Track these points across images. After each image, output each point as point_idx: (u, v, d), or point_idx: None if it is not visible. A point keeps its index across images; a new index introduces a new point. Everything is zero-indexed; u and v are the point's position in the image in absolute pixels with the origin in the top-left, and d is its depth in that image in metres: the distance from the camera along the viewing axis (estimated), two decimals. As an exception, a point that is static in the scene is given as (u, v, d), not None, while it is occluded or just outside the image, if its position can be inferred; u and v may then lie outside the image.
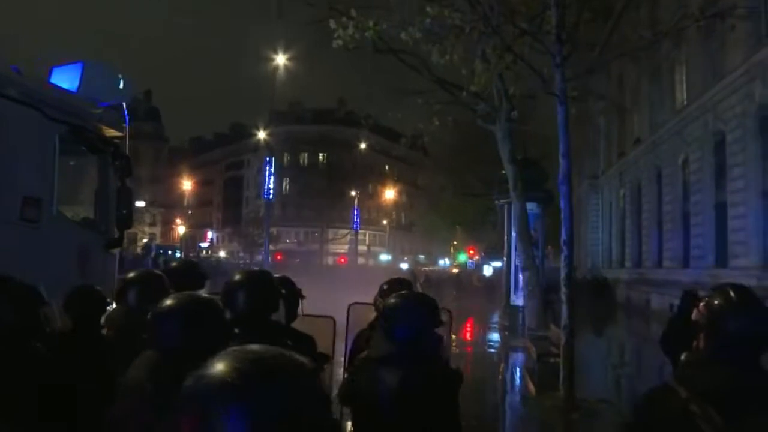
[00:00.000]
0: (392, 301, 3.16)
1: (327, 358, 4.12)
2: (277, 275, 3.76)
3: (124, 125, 8.36)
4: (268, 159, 34.78)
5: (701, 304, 2.37)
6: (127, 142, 8.31)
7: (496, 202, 21.89)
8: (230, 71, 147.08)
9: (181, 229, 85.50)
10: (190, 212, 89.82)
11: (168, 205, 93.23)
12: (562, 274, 8.68)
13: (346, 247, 77.17)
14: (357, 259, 68.42)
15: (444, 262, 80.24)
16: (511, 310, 19.00)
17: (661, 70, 28.49)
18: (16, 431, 2.57)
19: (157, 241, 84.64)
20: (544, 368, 11.51)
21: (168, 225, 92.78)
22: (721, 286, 2.39)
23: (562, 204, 8.45)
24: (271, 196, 33.92)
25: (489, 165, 32.25)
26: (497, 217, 27.23)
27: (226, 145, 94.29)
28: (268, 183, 33.47)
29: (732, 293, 2.31)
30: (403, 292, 3.52)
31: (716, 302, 2.30)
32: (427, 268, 71.12)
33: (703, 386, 2.17)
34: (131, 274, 3.64)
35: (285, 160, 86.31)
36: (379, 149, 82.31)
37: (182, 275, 4.20)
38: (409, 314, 3.06)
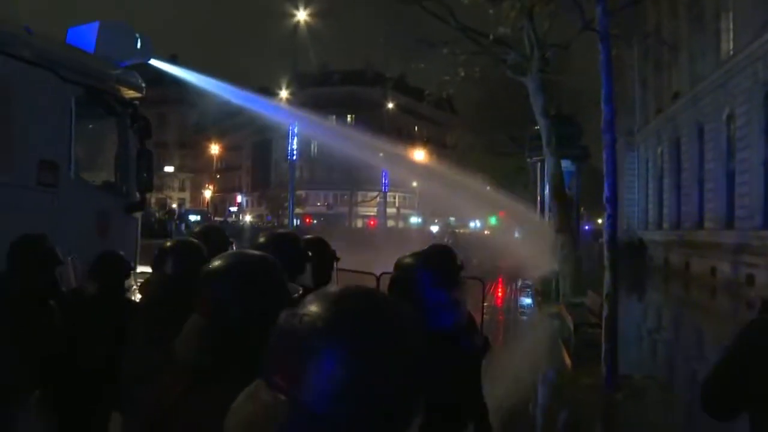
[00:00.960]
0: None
1: None
2: (309, 236, 3.75)
3: (143, 86, 8.20)
4: (291, 122, 33.87)
5: None
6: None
7: (528, 159, 20.76)
8: (256, 33, 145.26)
9: (207, 194, 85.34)
10: (218, 176, 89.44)
11: (197, 169, 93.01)
12: (606, 236, 7.63)
13: (376, 209, 76.27)
14: (386, 221, 67.42)
15: (475, 224, 79.12)
16: (546, 274, 17.95)
17: (704, 18, 26.78)
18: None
19: (187, 205, 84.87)
20: (581, 340, 10.54)
21: (197, 190, 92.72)
22: None
23: (605, 155, 7.38)
24: (294, 158, 33.02)
25: (519, 122, 31.04)
26: (529, 176, 26.11)
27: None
28: (291, 144, 32.63)
29: None
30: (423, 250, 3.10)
31: None
32: (458, 230, 70.26)
33: None
34: (168, 243, 3.45)
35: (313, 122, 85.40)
36: (407, 110, 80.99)
37: (206, 239, 3.96)
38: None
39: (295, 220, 73.63)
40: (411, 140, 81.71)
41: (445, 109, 56.88)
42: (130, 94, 7.99)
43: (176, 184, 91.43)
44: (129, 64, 8.08)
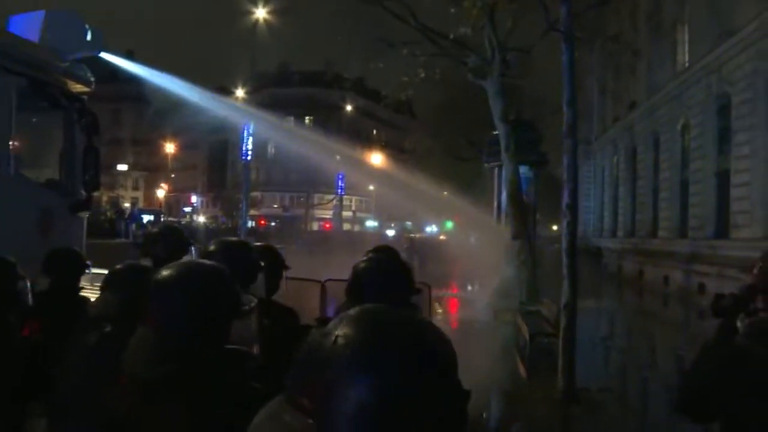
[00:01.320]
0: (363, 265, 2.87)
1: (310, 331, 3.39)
2: (258, 243, 3.67)
3: (91, 80, 7.87)
4: (245, 121, 33.20)
5: (757, 267, 2.72)
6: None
7: (486, 165, 20.59)
8: (214, 32, 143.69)
9: (160, 193, 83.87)
10: (173, 176, 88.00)
11: (151, 168, 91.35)
12: (564, 243, 7.39)
13: (332, 212, 75.79)
14: (342, 224, 66.95)
15: (431, 229, 79.17)
16: (502, 281, 17.74)
17: (662, 28, 27.01)
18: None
19: (140, 205, 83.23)
20: (537, 350, 10.30)
21: (152, 189, 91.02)
22: None
23: (565, 160, 7.13)
24: (249, 158, 32.45)
25: (478, 126, 30.90)
26: (486, 182, 25.98)
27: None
28: (246, 144, 32.04)
29: None
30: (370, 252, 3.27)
31: None
32: (413, 235, 70.10)
33: None
34: (119, 266, 3.13)
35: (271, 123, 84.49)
36: (366, 113, 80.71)
37: (164, 240, 4.06)
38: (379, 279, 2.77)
39: (249, 222, 72.89)
40: (369, 143, 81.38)
41: (405, 113, 56.75)
42: (77, 88, 7.65)
43: (129, 183, 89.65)
44: (77, 57, 7.73)
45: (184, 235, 4.41)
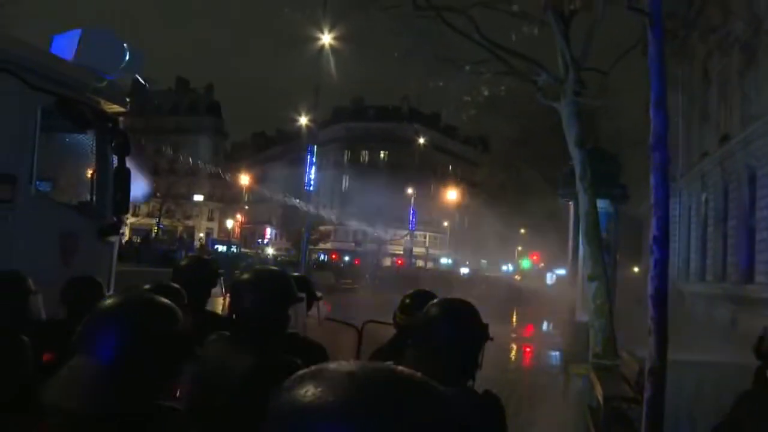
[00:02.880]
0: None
1: None
2: (296, 274, 3.78)
3: (127, 100, 7.84)
4: (309, 147, 32.31)
5: None
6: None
7: (561, 200, 18.83)
8: (289, 66, 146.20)
9: (229, 223, 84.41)
10: (246, 207, 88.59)
11: (227, 200, 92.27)
12: (650, 288, 5.73)
13: (403, 248, 74.48)
14: (411, 260, 65.47)
15: (507, 267, 77.05)
16: (576, 328, 15.92)
17: (757, 54, 24.77)
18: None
19: (215, 235, 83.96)
20: (611, 414, 8.57)
21: (226, 220, 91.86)
22: None
23: (653, 180, 5.50)
24: (311, 188, 31.50)
25: (553, 161, 29.23)
26: (563, 219, 24.21)
27: (288, 141, 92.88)
28: (309, 173, 31.11)
29: None
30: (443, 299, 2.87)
31: None
32: (489, 274, 68.08)
33: None
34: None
35: (346, 157, 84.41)
36: (441, 148, 79.65)
37: (191, 272, 4.04)
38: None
39: (322, 256, 72.36)
40: (444, 179, 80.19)
41: (480, 147, 55.45)
42: (112, 108, 7.48)
43: (205, 214, 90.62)
44: (113, 77, 7.49)
45: (213, 266, 4.30)
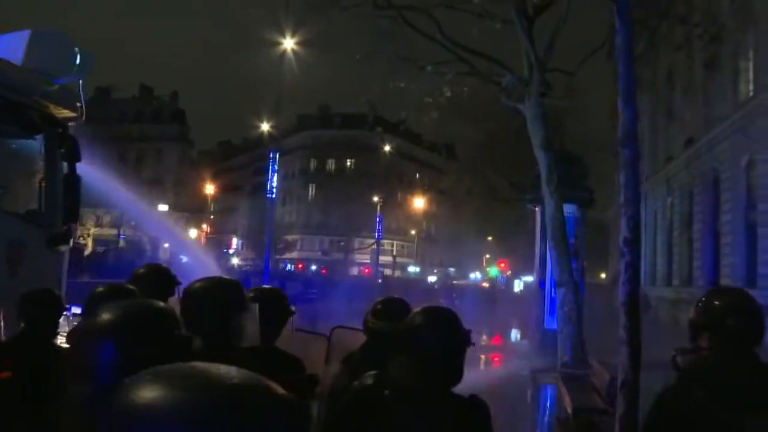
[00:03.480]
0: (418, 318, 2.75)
1: (317, 381, 3.54)
2: (266, 286, 3.84)
3: (79, 105, 7.40)
4: (271, 154, 31.68)
5: (699, 303, 2.65)
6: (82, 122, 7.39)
7: (528, 205, 18.53)
8: (253, 73, 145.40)
9: (192, 233, 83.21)
10: (212, 217, 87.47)
11: (193, 209, 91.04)
12: (622, 294, 5.32)
13: (369, 257, 74.01)
14: (379, 269, 64.98)
15: (475, 275, 76.93)
16: (544, 336, 15.57)
17: (720, 58, 24.80)
18: None
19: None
20: (581, 426, 8.17)
21: (195, 230, 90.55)
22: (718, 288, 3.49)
23: (622, 177, 5.10)
24: (273, 196, 30.90)
25: (520, 167, 28.97)
26: (529, 225, 23.95)
27: (254, 149, 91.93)
28: (271, 181, 30.49)
29: (729, 293, 2.85)
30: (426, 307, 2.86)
31: (717, 303, 2.62)
32: (457, 282, 67.85)
33: (719, 384, 2.37)
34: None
35: (312, 165, 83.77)
36: (408, 156, 79.40)
37: (149, 281, 3.95)
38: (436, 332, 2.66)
39: (288, 265, 71.58)
40: (411, 187, 79.93)
41: (446, 155, 55.23)
42: (62, 113, 7.16)
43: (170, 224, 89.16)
44: (63, 81, 7.20)
45: (171, 275, 4.18)
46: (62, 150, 6.94)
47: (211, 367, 0.90)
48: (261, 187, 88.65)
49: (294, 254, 78.37)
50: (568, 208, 14.70)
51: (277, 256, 67.21)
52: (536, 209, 16.87)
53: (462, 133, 29.71)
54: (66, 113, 7.25)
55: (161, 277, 4.09)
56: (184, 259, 55.43)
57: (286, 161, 71.30)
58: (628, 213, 5.02)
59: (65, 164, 6.97)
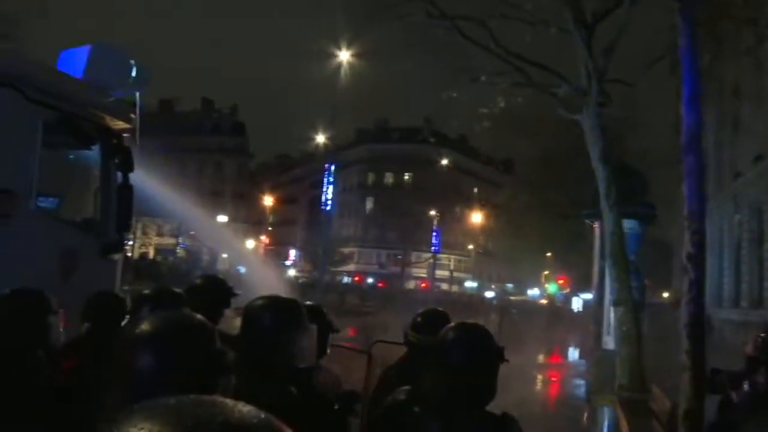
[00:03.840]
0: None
1: (357, 397, 3.42)
2: (308, 303, 3.52)
3: (133, 116, 7.65)
4: (327, 166, 31.59)
5: (758, 340, 2.71)
6: (137, 134, 7.65)
7: (586, 221, 17.93)
8: (310, 86, 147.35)
9: (250, 244, 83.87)
10: (269, 229, 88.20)
11: (252, 221, 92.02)
12: (685, 315, 4.88)
13: (426, 271, 73.52)
14: (436, 283, 64.46)
15: (534, 292, 75.69)
16: (602, 356, 14.96)
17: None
18: None
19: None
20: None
21: (253, 241, 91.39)
22: None
23: (687, 188, 4.72)
24: (329, 207, 30.76)
25: (579, 182, 28.29)
26: (588, 241, 23.26)
27: (312, 162, 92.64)
28: (326, 193, 30.37)
29: None
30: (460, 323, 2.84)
31: None
32: (514, 298, 66.80)
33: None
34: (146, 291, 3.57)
35: (369, 179, 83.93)
36: (466, 170, 78.83)
37: (205, 292, 3.98)
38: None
39: (346, 278, 71.65)
40: (469, 202, 79.27)
41: (504, 170, 54.66)
42: (117, 124, 7.40)
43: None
44: (120, 94, 7.48)
45: (226, 286, 4.19)
46: (116, 161, 7.13)
47: (221, 403, 0.88)
48: (318, 200, 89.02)
49: (351, 267, 78.47)
50: (628, 224, 14.13)
51: (333, 269, 67.33)
52: (595, 225, 16.30)
53: (519, 149, 29.22)
54: (121, 125, 7.44)
55: (217, 288, 4.10)
56: (242, 270, 55.97)
57: (343, 175, 71.53)
58: (692, 227, 4.62)
59: (119, 174, 7.12)
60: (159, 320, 1.77)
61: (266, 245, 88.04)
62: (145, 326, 1.71)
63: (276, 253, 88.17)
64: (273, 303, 2.85)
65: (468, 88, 12.83)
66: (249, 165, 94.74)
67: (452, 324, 2.82)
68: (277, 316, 2.75)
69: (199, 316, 1.84)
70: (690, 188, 4.64)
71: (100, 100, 7.17)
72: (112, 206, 7.15)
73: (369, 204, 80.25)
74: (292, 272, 69.91)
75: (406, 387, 2.84)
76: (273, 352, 2.68)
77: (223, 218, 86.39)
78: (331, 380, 3.46)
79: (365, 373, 4.90)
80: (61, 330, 3.34)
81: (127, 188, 7.10)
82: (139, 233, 70.77)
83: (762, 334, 2.64)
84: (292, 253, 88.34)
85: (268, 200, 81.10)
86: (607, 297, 15.04)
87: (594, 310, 16.59)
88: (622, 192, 12.94)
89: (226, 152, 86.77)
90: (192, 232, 66.47)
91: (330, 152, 35.51)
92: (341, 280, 66.63)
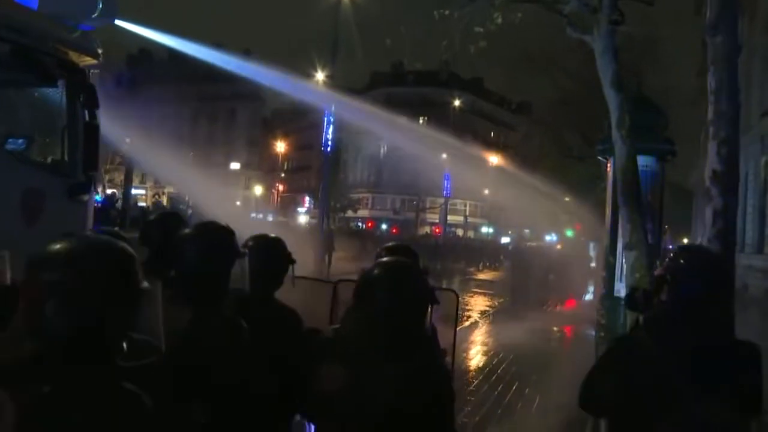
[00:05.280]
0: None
1: (319, 334, 3.36)
2: (267, 234, 3.63)
3: (99, 51, 7.35)
4: (327, 108, 30.39)
5: (668, 258, 2.68)
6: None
7: (600, 157, 16.67)
8: (324, 27, 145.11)
9: (258, 191, 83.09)
10: (282, 175, 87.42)
11: (265, 168, 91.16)
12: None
13: (439, 216, 72.51)
14: (447, 228, 63.51)
15: (551, 237, 74.60)
16: (613, 303, 13.88)
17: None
18: None
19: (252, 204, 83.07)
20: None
21: (268, 189, 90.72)
22: (686, 247, 3.14)
23: (712, 80, 3.50)
24: (329, 148, 29.69)
25: (599, 124, 26.99)
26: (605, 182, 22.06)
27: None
28: (326, 133, 29.24)
29: (693, 254, 2.75)
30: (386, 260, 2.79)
31: (680, 262, 2.63)
32: (531, 244, 65.74)
33: (670, 341, 2.48)
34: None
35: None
36: (483, 114, 77.22)
37: (159, 228, 4.03)
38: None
39: (360, 224, 70.90)
40: (486, 146, 77.57)
41: (520, 113, 53.14)
42: (83, 60, 7.09)
43: (242, 182, 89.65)
44: (86, 27, 7.12)
45: (185, 221, 4.11)
46: (81, 98, 6.88)
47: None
48: (333, 145, 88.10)
49: (365, 212, 77.67)
50: (644, 161, 12.88)
51: (341, 214, 66.50)
52: (608, 162, 15.06)
53: (536, 90, 27.88)
54: (87, 60, 7.18)
55: (175, 224, 3.84)
56: (253, 216, 54.96)
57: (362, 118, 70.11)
58: (720, 135, 3.45)
59: (86, 112, 6.89)
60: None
61: (281, 192, 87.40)
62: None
63: (291, 200, 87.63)
64: (200, 229, 2.91)
65: (462, 3, 11.41)
66: (263, 111, 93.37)
67: (382, 260, 2.68)
68: (203, 241, 2.78)
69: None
70: (717, 80, 3.46)
71: (61, 33, 6.86)
72: (78, 146, 6.95)
73: (383, 148, 78.84)
74: (303, 218, 69.24)
75: (336, 326, 2.84)
76: (201, 277, 2.69)
77: (235, 165, 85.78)
78: (287, 314, 3.40)
79: (330, 308, 4.83)
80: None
81: (93, 126, 6.91)
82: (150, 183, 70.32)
83: (673, 254, 2.64)
84: (307, 199, 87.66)
85: (280, 146, 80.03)
86: (620, 241, 13.91)
87: (605, 254, 15.49)
88: (639, 126, 11.62)
89: (239, 98, 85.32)
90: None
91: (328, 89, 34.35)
92: (355, 225, 65.94)
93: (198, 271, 2.71)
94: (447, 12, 11.06)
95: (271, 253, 3.39)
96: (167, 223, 4.04)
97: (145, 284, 1.77)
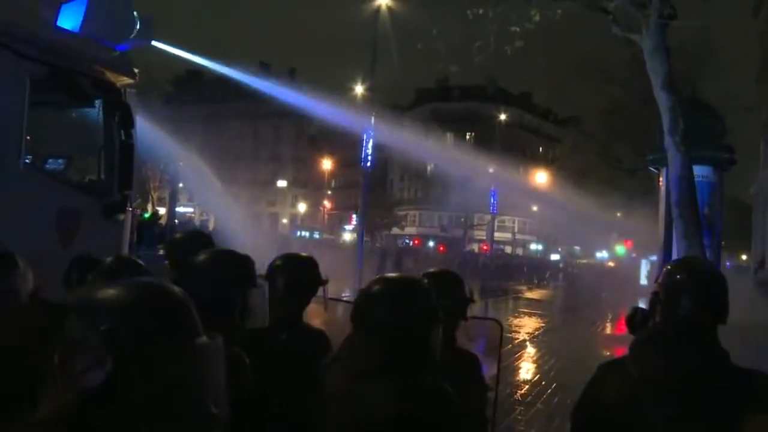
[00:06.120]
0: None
1: None
2: (296, 253, 3.57)
3: (135, 71, 7.48)
4: (367, 123, 29.71)
5: (661, 278, 2.46)
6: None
7: (651, 168, 15.66)
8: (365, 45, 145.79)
9: (301, 207, 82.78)
10: (329, 192, 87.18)
11: (312, 185, 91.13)
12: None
13: (486, 233, 71.30)
14: (495, 246, 62.16)
15: (602, 254, 72.75)
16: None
17: None
18: None
19: (299, 222, 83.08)
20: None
21: (313, 206, 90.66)
22: (680, 261, 2.74)
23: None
24: (368, 165, 29.07)
25: (646, 131, 25.76)
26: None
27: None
28: (366, 149, 28.59)
29: (687, 269, 2.46)
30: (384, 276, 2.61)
31: (673, 278, 2.42)
32: (580, 261, 64.03)
33: (655, 367, 2.25)
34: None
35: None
36: (531, 129, 76.03)
37: (186, 249, 3.76)
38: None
39: (407, 241, 70.10)
40: (534, 161, 76.10)
41: (569, 126, 51.93)
42: (120, 80, 7.19)
43: (288, 200, 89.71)
44: (123, 48, 7.22)
45: (212, 241, 3.99)
46: (116, 118, 6.93)
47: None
48: (379, 162, 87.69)
49: (413, 230, 76.82)
50: (701, 171, 11.95)
51: (387, 231, 65.78)
52: (659, 174, 14.06)
53: (585, 102, 26.94)
54: (123, 80, 7.24)
55: (203, 245, 3.66)
56: (299, 234, 54.76)
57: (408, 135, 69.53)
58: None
59: (121, 132, 6.94)
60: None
61: (328, 210, 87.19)
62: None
63: (338, 217, 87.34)
64: (214, 256, 2.84)
65: (495, 2, 10.62)
66: (309, 128, 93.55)
67: (377, 277, 2.49)
68: (218, 270, 2.69)
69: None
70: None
71: (98, 54, 6.92)
72: (114, 165, 6.98)
73: (430, 165, 78.11)
74: (347, 236, 68.78)
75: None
76: (216, 312, 2.34)
77: (282, 183, 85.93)
78: (314, 335, 3.29)
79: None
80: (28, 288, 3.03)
81: (128, 146, 6.94)
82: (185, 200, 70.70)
83: (665, 274, 2.38)
84: (354, 217, 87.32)
85: (327, 163, 79.78)
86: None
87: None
88: (694, 131, 10.72)
89: (285, 115, 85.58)
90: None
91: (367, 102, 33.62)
92: (402, 243, 65.18)
93: (203, 300, 2.22)
94: (481, 11, 10.32)
95: (298, 274, 3.31)
96: (190, 243, 3.92)
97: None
